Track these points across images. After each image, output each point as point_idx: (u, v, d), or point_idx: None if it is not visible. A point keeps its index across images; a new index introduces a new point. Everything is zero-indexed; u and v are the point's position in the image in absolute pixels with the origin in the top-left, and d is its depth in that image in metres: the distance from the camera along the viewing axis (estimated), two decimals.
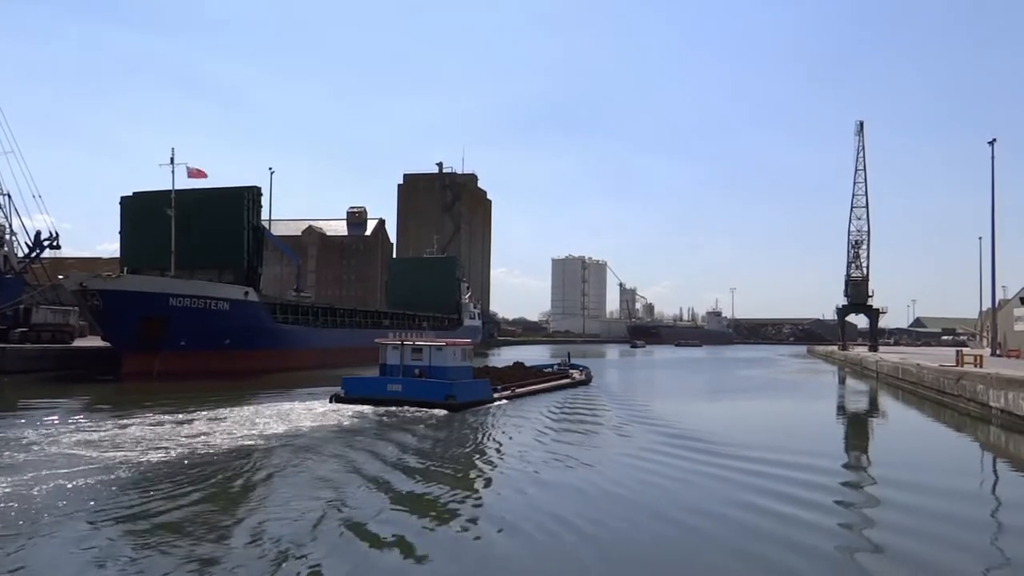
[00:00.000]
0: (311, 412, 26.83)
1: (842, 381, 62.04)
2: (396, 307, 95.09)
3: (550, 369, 46.91)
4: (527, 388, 37.08)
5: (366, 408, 27.71)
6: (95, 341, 55.26)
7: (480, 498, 14.97)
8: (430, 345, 30.60)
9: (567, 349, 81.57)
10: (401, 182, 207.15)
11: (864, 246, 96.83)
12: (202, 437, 21.02)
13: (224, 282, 56.53)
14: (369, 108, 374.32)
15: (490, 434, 24.11)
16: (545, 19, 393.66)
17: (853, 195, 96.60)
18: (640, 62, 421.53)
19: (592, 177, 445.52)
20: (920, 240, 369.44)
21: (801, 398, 45.27)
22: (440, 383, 28.89)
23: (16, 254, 57.54)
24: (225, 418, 24.94)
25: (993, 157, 54.65)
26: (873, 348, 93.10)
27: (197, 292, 51.89)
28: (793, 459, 19.60)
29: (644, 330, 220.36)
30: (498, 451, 20.86)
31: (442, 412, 27.26)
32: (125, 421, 23.98)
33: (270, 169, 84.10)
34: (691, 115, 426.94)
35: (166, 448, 19.04)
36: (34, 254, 58.80)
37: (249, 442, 20.49)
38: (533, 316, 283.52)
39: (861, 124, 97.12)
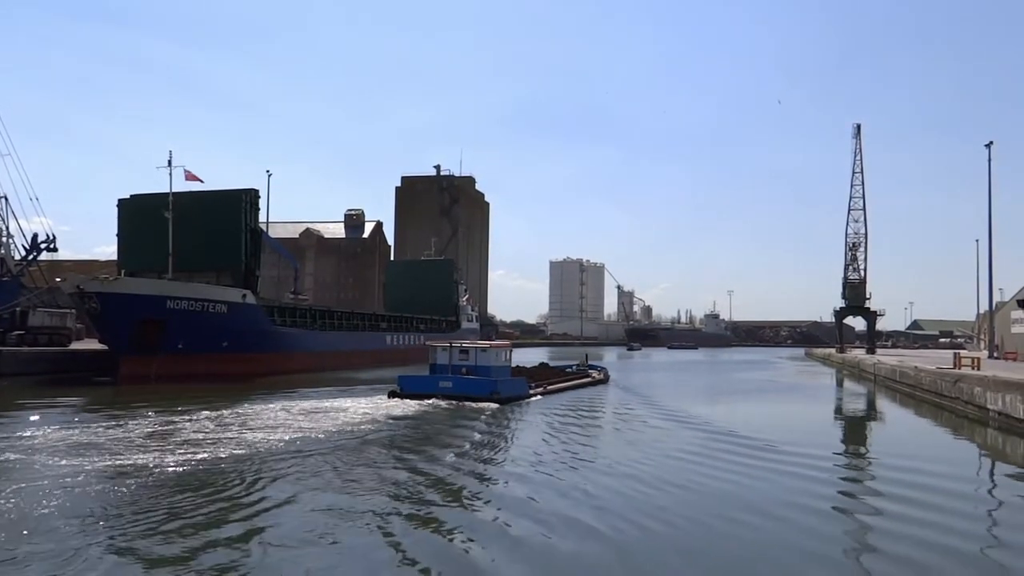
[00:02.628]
0: (377, 405, 29.85)
1: (840, 384, 62.16)
2: (394, 310, 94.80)
3: (570, 369, 50.15)
4: (556, 386, 40.62)
5: (426, 402, 30.85)
6: (92, 344, 55.18)
7: (525, 497, 15.08)
8: (476, 347, 34.87)
9: (566, 352, 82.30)
10: (399, 184, 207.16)
11: (861, 248, 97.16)
12: (288, 426, 23.37)
13: (222, 285, 56.40)
14: (367, 110, 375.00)
15: (538, 426, 26.20)
16: (544, 23, 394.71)
17: (851, 197, 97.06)
18: (638, 66, 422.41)
19: (590, 180, 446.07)
20: (918, 242, 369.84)
21: (803, 400, 45.56)
22: (486, 380, 32.48)
23: (13, 256, 57.45)
24: (297, 411, 27.41)
25: (990, 160, 54.87)
26: (871, 350, 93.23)
27: (195, 295, 51.80)
28: (804, 458, 20.07)
29: (642, 332, 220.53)
30: (546, 445, 21.93)
31: (493, 405, 30.18)
32: (130, 422, 23.98)
33: (268, 172, 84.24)
34: (689, 118, 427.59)
35: (232, 446, 20.02)
36: (31, 256, 58.69)
37: (348, 429, 23.45)
38: (531, 319, 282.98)
39: (858, 127, 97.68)
